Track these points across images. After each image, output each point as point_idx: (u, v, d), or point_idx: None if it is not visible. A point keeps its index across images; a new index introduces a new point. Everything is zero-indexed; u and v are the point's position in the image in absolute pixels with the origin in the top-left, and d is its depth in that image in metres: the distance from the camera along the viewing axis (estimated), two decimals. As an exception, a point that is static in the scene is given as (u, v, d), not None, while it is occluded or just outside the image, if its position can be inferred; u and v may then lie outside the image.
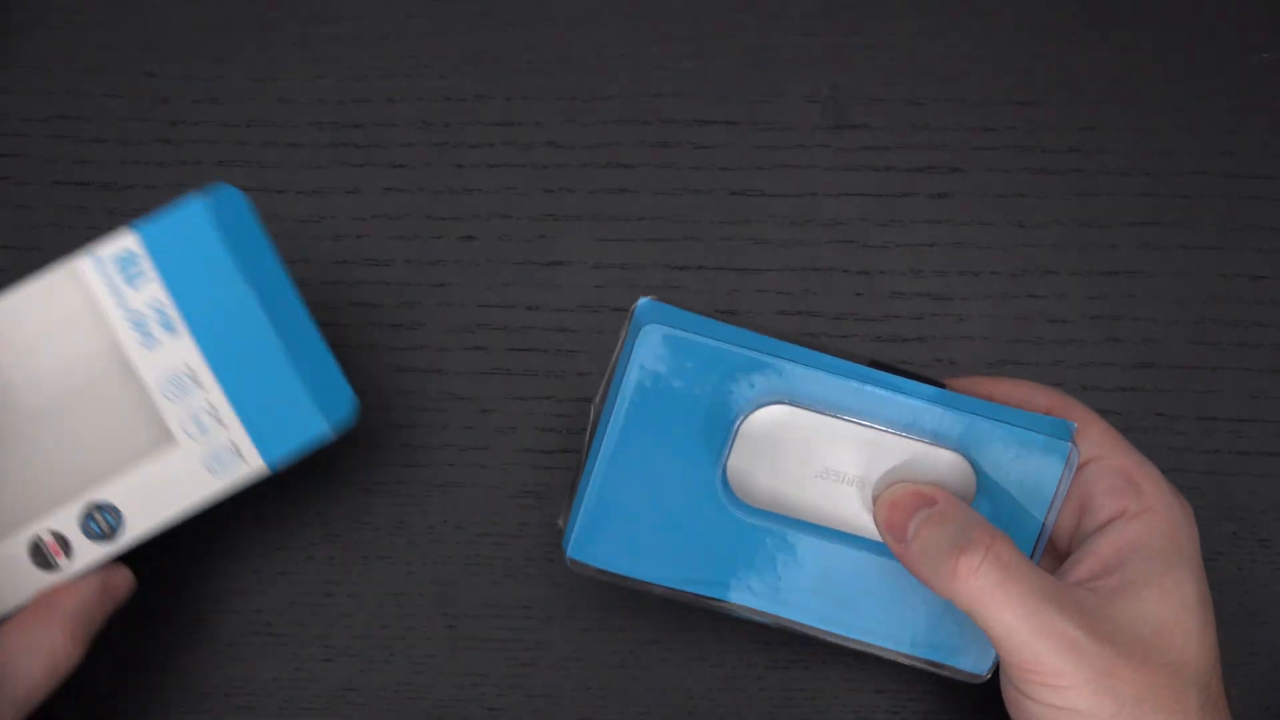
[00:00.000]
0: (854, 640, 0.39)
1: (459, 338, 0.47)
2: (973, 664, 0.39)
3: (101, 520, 0.40)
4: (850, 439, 0.38)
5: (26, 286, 0.39)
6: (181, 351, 0.39)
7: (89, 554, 0.39)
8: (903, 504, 0.37)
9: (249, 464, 0.39)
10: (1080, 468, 0.39)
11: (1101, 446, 0.39)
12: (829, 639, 0.39)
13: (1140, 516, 0.37)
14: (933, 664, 0.39)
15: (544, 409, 0.47)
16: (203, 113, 0.48)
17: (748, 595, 0.39)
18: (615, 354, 0.39)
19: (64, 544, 0.39)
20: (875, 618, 0.39)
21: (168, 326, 0.39)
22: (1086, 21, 0.48)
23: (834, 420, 0.38)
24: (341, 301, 0.47)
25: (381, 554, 0.46)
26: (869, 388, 0.38)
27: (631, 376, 0.38)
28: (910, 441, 0.38)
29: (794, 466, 0.38)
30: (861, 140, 0.48)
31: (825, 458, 0.38)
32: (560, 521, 0.40)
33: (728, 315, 0.47)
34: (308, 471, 0.47)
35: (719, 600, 0.39)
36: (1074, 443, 0.38)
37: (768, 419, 0.38)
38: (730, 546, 0.39)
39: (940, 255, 0.47)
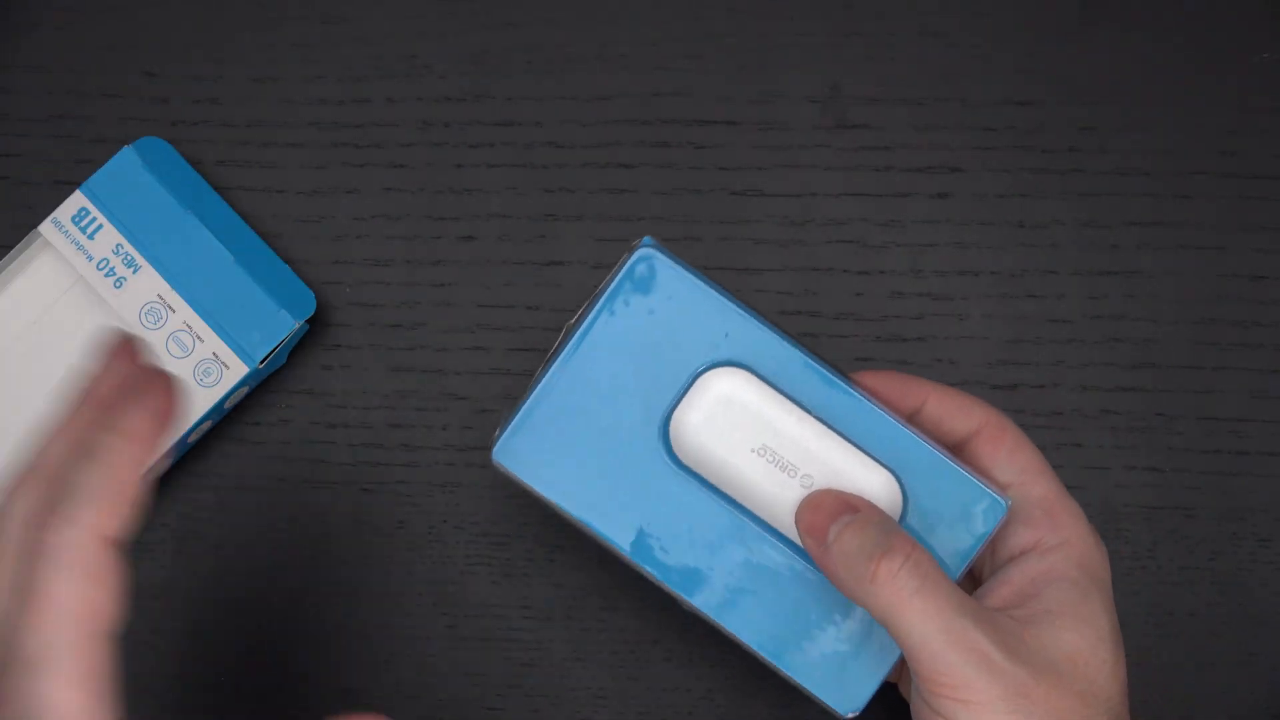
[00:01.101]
0: (734, 635, 0.38)
1: (459, 338, 0.47)
2: (839, 702, 0.38)
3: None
4: (797, 425, 0.38)
5: (5, 267, 0.45)
6: (149, 284, 0.45)
7: None
8: (825, 507, 0.36)
9: (233, 370, 0.45)
10: (1002, 490, 0.38)
11: (1026, 473, 0.38)
12: (713, 624, 0.38)
13: (1058, 549, 0.37)
14: (803, 687, 0.38)
15: (544, 409, 0.47)
16: (203, 113, 0.48)
17: (648, 553, 0.38)
18: (604, 282, 0.38)
19: None
20: (763, 619, 0.38)
21: (131, 265, 0.45)
22: (1086, 21, 0.48)
23: (788, 403, 0.37)
24: (341, 301, 0.47)
25: (381, 554, 0.46)
26: (835, 385, 0.37)
27: (612, 294, 0.37)
28: (851, 449, 0.37)
29: (735, 435, 0.38)
30: (861, 140, 0.48)
31: (767, 436, 0.38)
32: (498, 431, 0.38)
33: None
34: (308, 471, 0.47)
35: (619, 550, 0.38)
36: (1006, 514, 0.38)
37: (727, 380, 0.38)
38: (649, 496, 0.38)
39: (940, 255, 0.47)
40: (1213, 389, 0.47)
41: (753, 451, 0.38)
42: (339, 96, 0.48)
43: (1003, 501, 0.37)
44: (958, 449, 0.39)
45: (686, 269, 0.38)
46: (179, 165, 0.47)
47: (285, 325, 0.45)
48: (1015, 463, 0.38)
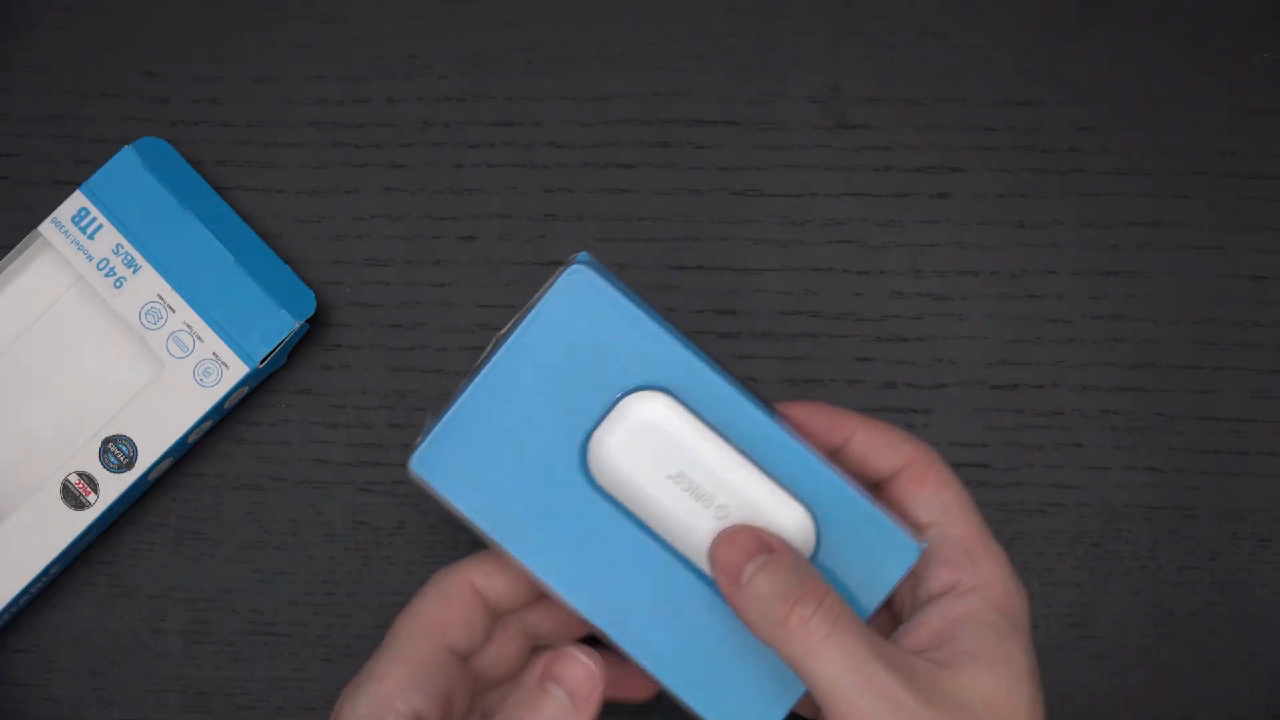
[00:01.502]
0: (638, 663, 0.38)
1: (459, 338, 0.47)
2: None
3: (118, 452, 0.44)
4: (715, 454, 0.37)
5: (5, 267, 0.45)
6: (149, 284, 0.45)
7: (114, 486, 0.44)
8: (741, 545, 0.36)
9: (233, 370, 0.45)
10: (922, 529, 0.38)
11: (947, 513, 0.38)
12: (612, 644, 0.38)
13: (976, 590, 0.36)
14: (703, 718, 0.38)
15: (544, 409, 0.47)
16: (203, 113, 0.48)
17: (558, 573, 0.37)
18: (537, 295, 0.38)
19: (90, 482, 0.44)
20: (669, 648, 0.37)
21: (131, 264, 0.45)
22: (1086, 21, 0.48)
23: (708, 431, 0.37)
24: (341, 301, 0.47)
25: (381, 554, 0.46)
26: (757, 416, 0.37)
27: (541, 309, 0.37)
28: (768, 481, 0.37)
29: (652, 460, 0.37)
30: (861, 140, 0.48)
31: (684, 463, 0.37)
32: (418, 439, 0.38)
33: (725, 314, 0.47)
34: (308, 471, 0.47)
35: (530, 569, 0.37)
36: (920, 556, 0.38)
37: (648, 404, 0.37)
38: (564, 517, 0.37)
39: (940, 255, 0.47)
40: (1213, 389, 0.47)
41: (669, 478, 0.37)
42: (339, 96, 0.48)
43: (915, 545, 0.37)
44: (883, 485, 0.39)
45: (618, 289, 0.37)
46: (179, 165, 0.47)
47: (285, 325, 0.45)
48: (937, 501, 0.38)
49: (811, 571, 0.35)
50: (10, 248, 0.47)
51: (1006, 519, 0.46)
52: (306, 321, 0.46)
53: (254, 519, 0.47)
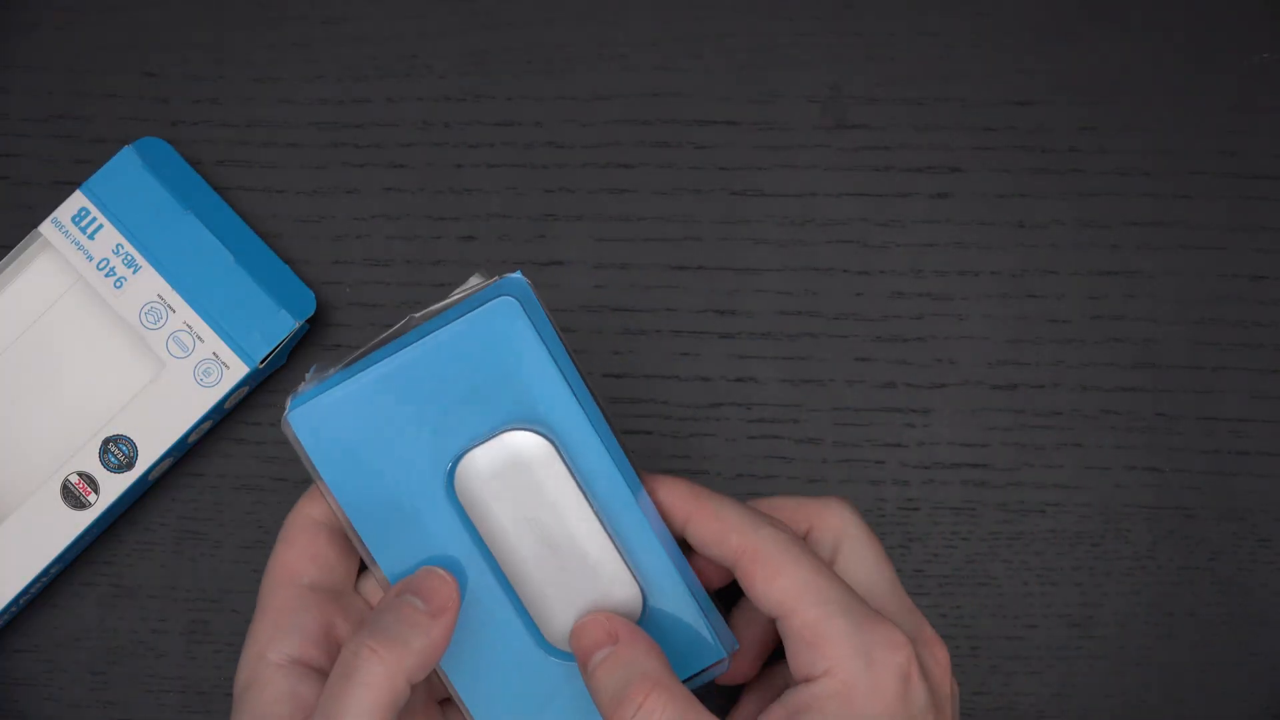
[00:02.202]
0: (451, 689, 0.39)
1: (459, 338, 0.47)
2: None
3: (118, 452, 0.44)
4: (573, 512, 0.38)
5: (5, 267, 0.45)
6: (149, 284, 0.45)
7: (114, 486, 0.44)
8: (590, 635, 0.37)
9: (233, 370, 0.45)
10: (774, 620, 0.38)
11: (784, 605, 0.36)
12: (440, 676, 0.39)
13: (819, 679, 0.36)
14: None
15: (544, 409, 0.47)
16: (203, 113, 0.48)
17: (392, 565, 0.38)
18: (458, 294, 0.38)
19: (90, 482, 0.44)
20: (485, 683, 0.39)
21: (131, 264, 0.45)
22: (1086, 21, 0.48)
23: (574, 488, 0.38)
24: (341, 301, 0.47)
25: (381, 554, 0.46)
26: (622, 487, 0.38)
27: (459, 325, 0.37)
28: (613, 554, 0.38)
29: (514, 495, 0.38)
30: (861, 140, 0.48)
31: (540, 509, 0.38)
32: (304, 386, 0.38)
33: (725, 314, 0.47)
34: (308, 471, 0.47)
35: (370, 552, 0.38)
36: (729, 658, 0.39)
37: (528, 441, 0.38)
38: (413, 518, 0.38)
39: (940, 255, 0.47)
40: (1213, 389, 0.47)
41: (525, 519, 0.38)
42: (339, 96, 0.48)
43: (720, 649, 0.39)
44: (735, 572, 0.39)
45: (538, 326, 0.38)
46: (179, 165, 0.47)
47: (285, 325, 0.45)
48: (773, 593, 0.37)
49: (643, 667, 0.36)
50: (10, 248, 0.47)
51: (1006, 519, 0.46)
52: (306, 321, 0.46)
53: (254, 519, 0.47)
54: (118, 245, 0.45)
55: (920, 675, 0.36)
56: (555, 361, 0.38)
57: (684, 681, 0.39)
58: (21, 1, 0.49)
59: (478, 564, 0.38)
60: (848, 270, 0.47)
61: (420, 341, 0.38)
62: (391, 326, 0.40)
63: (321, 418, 0.38)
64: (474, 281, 0.38)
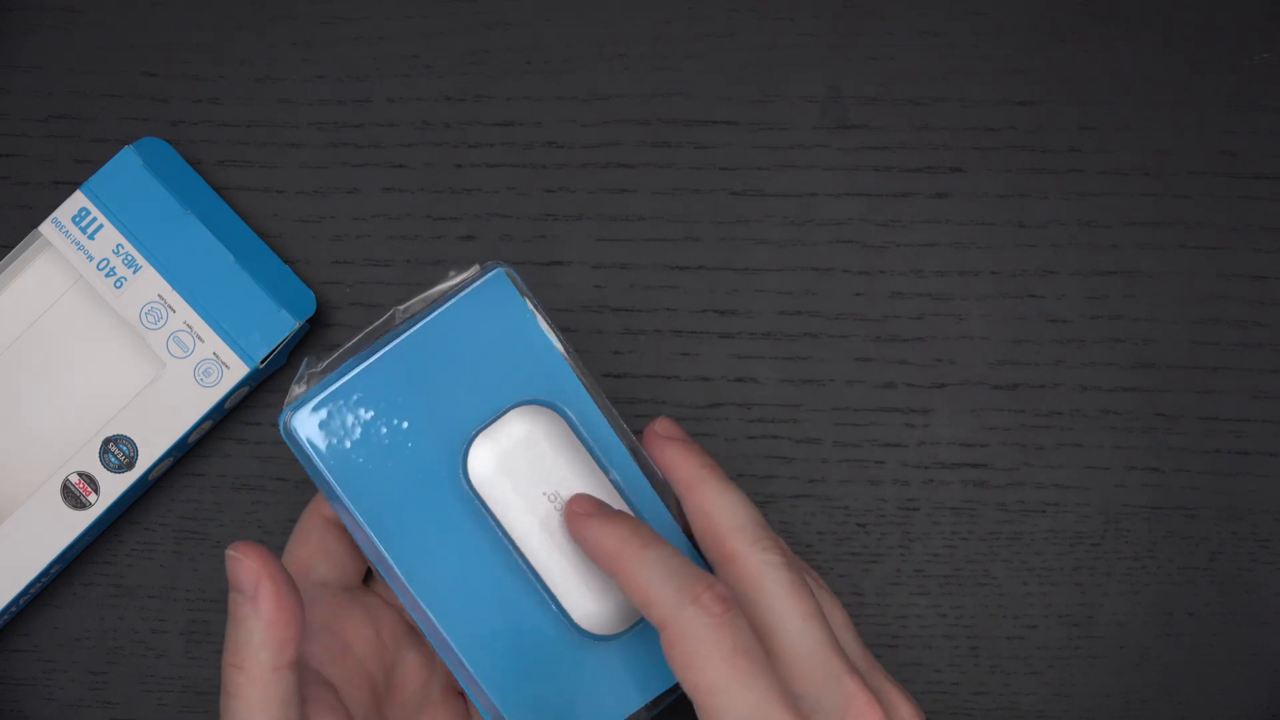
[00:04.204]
0: (460, 666, 0.38)
1: (459, 338, 0.47)
2: None
3: (119, 452, 0.44)
4: (590, 482, 0.38)
5: (5, 267, 0.46)
6: (149, 284, 0.45)
7: (114, 486, 0.44)
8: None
9: (233, 370, 0.45)
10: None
11: (695, 697, 0.34)
12: (443, 652, 0.38)
13: None
14: None
15: (544, 409, 0.47)
16: (203, 113, 0.48)
17: (414, 574, 0.38)
18: (444, 287, 0.38)
19: (90, 481, 0.44)
20: (500, 661, 0.38)
21: (131, 265, 0.45)
22: (1086, 21, 0.48)
23: (587, 458, 0.38)
24: (341, 301, 0.47)
25: (381, 554, 0.46)
26: (624, 457, 0.38)
27: (453, 305, 0.37)
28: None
29: (529, 474, 0.38)
30: (861, 140, 0.48)
31: (559, 484, 0.38)
32: (298, 388, 0.38)
33: (725, 314, 0.47)
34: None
35: (380, 552, 0.38)
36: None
37: (537, 417, 0.38)
38: (431, 512, 0.38)
39: (940, 255, 0.47)
40: (1213, 389, 0.47)
41: (543, 495, 0.38)
42: (339, 96, 0.48)
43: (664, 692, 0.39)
44: None
45: (531, 303, 0.38)
46: (179, 165, 0.47)
47: (285, 325, 0.45)
48: (685, 681, 0.34)
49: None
50: (10, 248, 0.47)
51: (1006, 519, 0.46)
52: (306, 321, 0.46)
53: (254, 519, 0.47)
54: (118, 245, 0.45)
55: None
56: (553, 333, 0.38)
57: None
58: (21, 1, 0.49)
59: (496, 548, 0.38)
60: (848, 270, 0.47)
61: (414, 324, 0.38)
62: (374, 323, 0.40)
63: (321, 418, 0.38)
64: (454, 274, 0.38)
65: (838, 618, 0.38)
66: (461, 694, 0.41)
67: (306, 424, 0.37)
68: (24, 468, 0.45)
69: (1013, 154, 0.48)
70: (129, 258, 0.45)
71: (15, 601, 0.44)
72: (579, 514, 0.37)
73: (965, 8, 0.48)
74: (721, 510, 0.37)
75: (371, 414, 0.38)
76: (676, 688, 0.39)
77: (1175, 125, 0.48)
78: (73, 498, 0.44)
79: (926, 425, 0.47)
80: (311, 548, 0.39)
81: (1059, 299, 0.47)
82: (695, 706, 0.34)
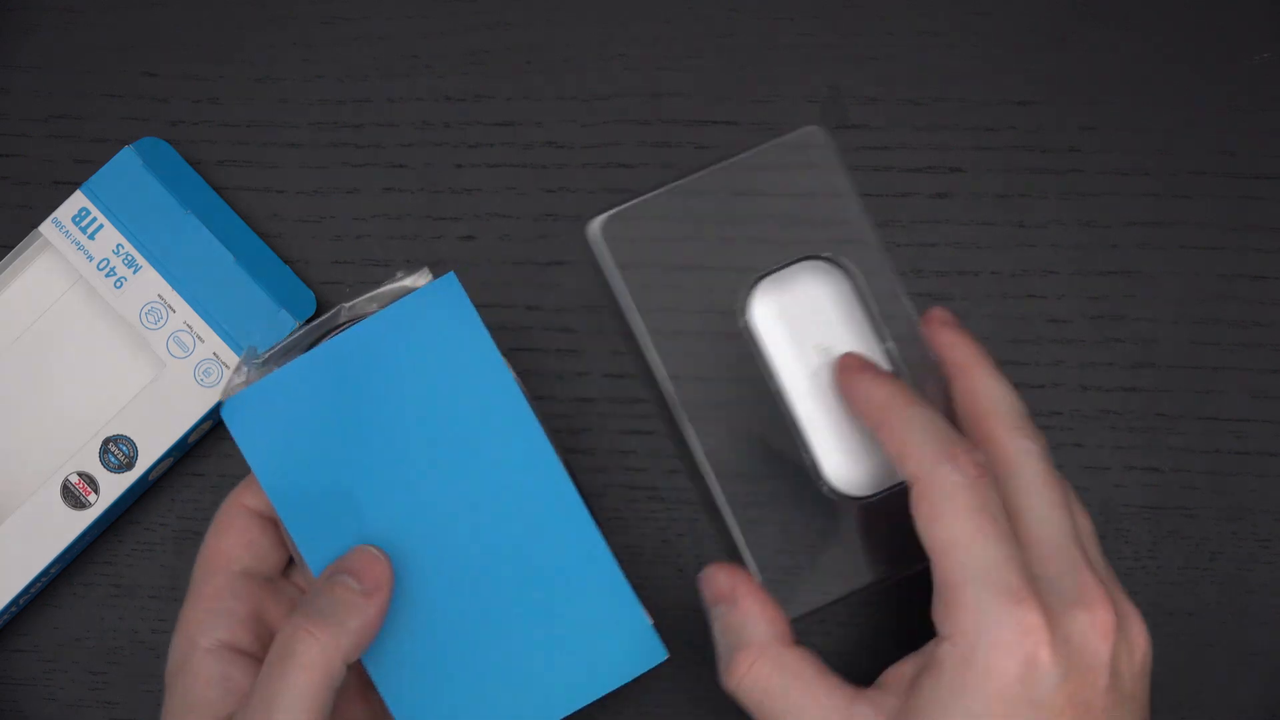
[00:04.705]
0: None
1: (459, 338, 0.47)
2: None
3: (118, 452, 0.44)
4: (863, 344, 0.39)
5: (5, 267, 0.45)
6: (150, 284, 0.45)
7: (114, 486, 0.44)
8: (710, 588, 0.38)
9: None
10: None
11: (934, 553, 0.35)
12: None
13: (946, 640, 0.34)
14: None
15: (544, 409, 0.47)
16: (203, 113, 0.48)
17: (312, 550, 0.38)
18: (392, 288, 0.39)
19: (90, 482, 0.44)
20: (401, 679, 0.38)
21: (131, 264, 0.45)
22: (1086, 21, 0.48)
23: (864, 320, 0.39)
24: (341, 301, 0.47)
25: (381, 554, 0.46)
26: (566, 485, 0.39)
27: (399, 305, 0.38)
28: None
29: (807, 324, 0.39)
30: (861, 140, 0.48)
31: (834, 340, 0.39)
32: (238, 378, 0.39)
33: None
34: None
35: (291, 540, 0.38)
36: None
37: (827, 274, 0.39)
38: (351, 510, 0.38)
39: (940, 255, 0.47)
40: (1213, 389, 0.47)
41: (815, 347, 0.39)
42: (339, 96, 0.48)
43: (660, 651, 0.39)
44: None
45: (476, 316, 0.39)
46: (179, 165, 0.47)
47: (285, 325, 0.45)
48: (927, 538, 0.35)
49: (758, 630, 0.37)
50: (10, 248, 0.47)
51: (1006, 519, 0.46)
52: (306, 321, 0.46)
53: (254, 519, 0.47)
54: (118, 245, 0.45)
55: (1056, 661, 0.34)
56: (493, 345, 0.38)
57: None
58: (21, 1, 0.49)
59: (420, 547, 0.38)
60: (848, 270, 0.47)
61: (356, 325, 0.38)
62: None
63: (252, 409, 0.38)
64: (400, 276, 0.39)
65: (1084, 525, 0.38)
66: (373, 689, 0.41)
67: (237, 415, 0.38)
68: (24, 468, 0.45)
69: (1013, 154, 0.48)
70: (129, 258, 0.45)
71: (15, 601, 0.44)
72: (851, 368, 0.38)
73: (965, 8, 0.48)
74: (989, 393, 0.38)
75: (307, 403, 0.38)
76: (916, 562, 0.38)
77: (1175, 125, 0.48)
78: (73, 498, 0.44)
79: (926, 425, 0.46)
80: (232, 538, 0.39)
81: (1059, 299, 0.47)
82: (933, 567, 0.35)
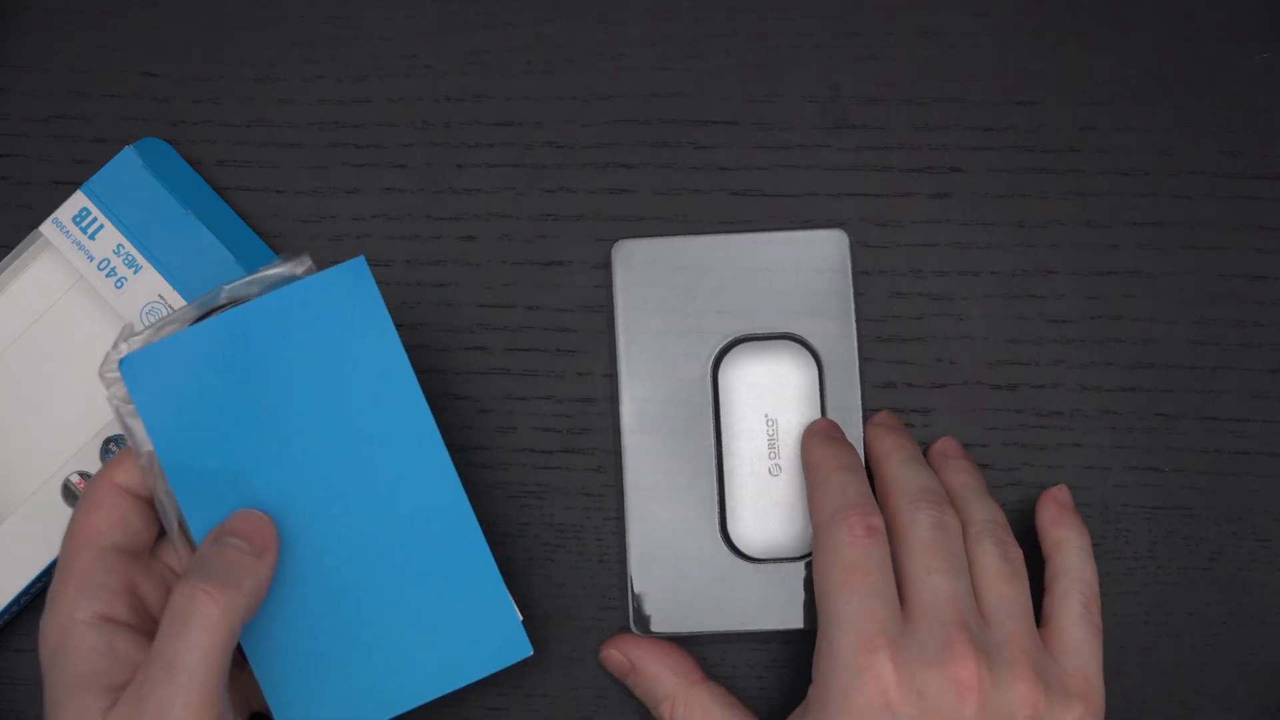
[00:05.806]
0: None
1: (459, 338, 0.47)
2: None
3: (118, 451, 0.43)
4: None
5: (6, 267, 0.45)
6: (150, 283, 0.45)
7: None
8: (613, 666, 0.44)
9: None
10: None
11: (814, 566, 0.40)
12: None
13: (812, 684, 0.39)
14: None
15: (544, 409, 0.47)
16: (203, 113, 0.48)
17: (198, 515, 0.39)
18: (272, 272, 0.40)
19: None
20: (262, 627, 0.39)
21: (132, 264, 0.45)
22: (1086, 21, 0.48)
23: (818, 402, 0.44)
24: (341, 301, 0.47)
25: (381, 554, 0.46)
26: (448, 468, 0.40)
27: (309, 286, 0.39)
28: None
29: (766, 392, 0.44)
30: (861, 140, 0.48)
31: (782, 411, 0.44)
32: (115, 353, 0.39)
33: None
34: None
35: (180, 505, 0.39)
36: None
37: (799, 355, 0.43)
38: (235, 478, 0.39)
39: (940, 255, 0.47)
40: (1213, 389, 0.47)
41: (765, 416, 0.43)
42: (339, 96, 0.48)
43: (526, 648, 0.40)
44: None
45: (381, 302, 0.39)
46: (179, 165, 0.47)
47: None
48: (815, 587, 0.40)
49: (666, 684, 0.43)
50: (10, 248, 0.47)
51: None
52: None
53: (254, 519, 0.47)
54: (118, 245, 0.45)
55: (906, 711, 0.37)
56: (394, 331, 0.39)
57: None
58: (21, 1, 0.49)
59: (301, 524, 0.39)
60: (848, 270, 0.47)
61: (264, 296, 0.39)
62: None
63: (149, 366, 0.38)
64: (282, 260, 0.40)
65: (1011, 594, 0.40)
66: (245, 666, 0.41)
67: (134, 371, 0.38)
68: (24, 468, 0.45)
69: (1013, 154, 0.48)
70: (129, 258, 0.45)
71: (16, 601, 0.44)
72: (816, 430, 0.43)
73: (965, 8, 0.48)
74: (897, 477, 0.42)
75: (200, 370, 0.38)
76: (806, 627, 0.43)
77: (1175, 125, 0.48)
78: (73, 498, 0.44)
79: (927, 425, 0.47)
80: (104, 515, 0.39)
81: (1059, 299, 0.47)
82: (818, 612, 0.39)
